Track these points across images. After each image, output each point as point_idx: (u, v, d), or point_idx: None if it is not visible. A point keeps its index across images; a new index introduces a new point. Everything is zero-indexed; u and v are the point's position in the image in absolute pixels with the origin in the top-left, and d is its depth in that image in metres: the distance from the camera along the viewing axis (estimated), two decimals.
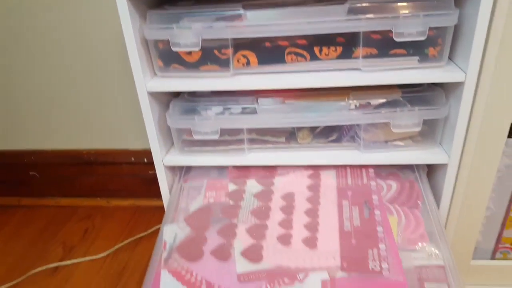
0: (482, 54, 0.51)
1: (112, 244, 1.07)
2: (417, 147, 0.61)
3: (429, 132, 0.61)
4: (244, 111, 0.60)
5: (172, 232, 0.57)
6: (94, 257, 1.03)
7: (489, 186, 0.68)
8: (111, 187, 1.21)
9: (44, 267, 1.01)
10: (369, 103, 0.59)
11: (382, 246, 0.52)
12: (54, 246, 1.09)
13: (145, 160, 1.15)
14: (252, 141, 0.63)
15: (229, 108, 0.61)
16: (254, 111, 0.60)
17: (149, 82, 0.58)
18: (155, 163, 0.64)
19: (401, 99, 0.59)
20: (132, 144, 1.15)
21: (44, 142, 1.19)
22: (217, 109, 0.61)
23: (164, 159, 0.63)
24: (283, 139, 0.63)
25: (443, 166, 0.60)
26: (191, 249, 0.54)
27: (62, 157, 1.19)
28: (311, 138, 0.63)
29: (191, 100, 0.62)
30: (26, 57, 1.07)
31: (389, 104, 0.59)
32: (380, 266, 0.49)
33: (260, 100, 0.60)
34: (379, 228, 0.53)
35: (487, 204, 0.72)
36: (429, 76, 0.53)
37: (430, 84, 0.60)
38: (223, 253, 0.53)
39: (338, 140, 0.62)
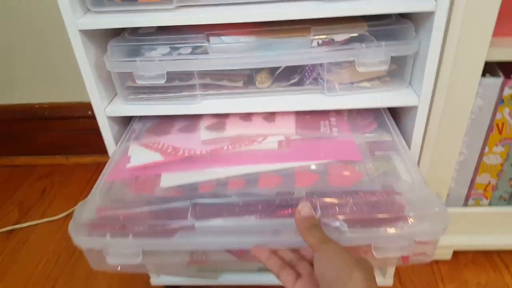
0: None
1: (71, 204, 1.01)
2: (385, 88, 0.56)
3: (397, 71, 0.56)
4: (194, 52, 0.53)
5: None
6: (52, 218, 0.98)
7: (462, 130, 0.65)
8: (69, 143, 1.14)
9: None
10: (333, 40, 0.53)
11: (333, 119, 0.59)
12: (9, 208, 1.03)
13: None
14: (205, 86, 0.56)
15: (177, 48, 0.53)
16: (205, 51, 0.52)
17: (80, 19, 0.50)
18: (95, 114, 0.57)
19: (367, 33, 0.53)
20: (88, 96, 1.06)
21: None
22: (163, 49, 0.53)
23: (106, 109, 0.56)
24: (240, 84, 0.57)
25: (413, 109, 0.56)
26: (159, 129, 0.60)
27: (14, 112, 1.09)
28: (271, 82, 0.56)
29: (132, 39, 0.54)
30: None
31: (354, 40, 0.52)
32: (331, 130, 0.56)
33: (212, 38, 0.53)
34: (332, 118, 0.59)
35: (460, 149, 0.69)
36: (397, 4, 0.47)
37: (397, 16, 0.54)
38: (189, 128, 0.59)
39: (300, 83, 0.56)
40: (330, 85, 0.55)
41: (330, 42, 0.52)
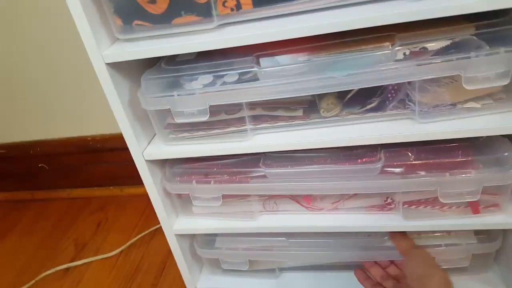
0: None
1: (126, 239, 0.96)
2: (500, 109, 0.41)
3: None
4: (241, 79, 0.42)
5: None
6: (106, 255, 0.93)
7: None
8: (123, 174, 1.10)
9: (54, 269, 0.92)
10: (425, 49, 0.39)
11: None
12: (66, 243, 1.00)
13: None
14: (256, 118, 0.45)
15: (221, 76, 0.43)
16: (255, 77, 0.42)
17: (106, 50, 0.42)
18: (133, 157, 0.48)
19: (475, 38, 0.38)
20: None
21: (47, 132, 1.09)
22: (205, 79, 0.43)
23: (144, 152, 0.48)
24: (300, 112, 0.45)
25: None
26: None
27: (67, 146, 1.08)
28: (340, 108, 0.44)
29: (169, 70, 0.45)
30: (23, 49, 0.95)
31: (456, 46, 0.38)
32: None
33: (262, 60, 0.42)
34: None
35: None
36: None
37: None
38: None
39: (380, 108, 0.43)
40: (423, 108, 0.41)
41: (421, 53, 0.39)
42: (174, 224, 0.55)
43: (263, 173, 0.48)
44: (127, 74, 0.46)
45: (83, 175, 1.12)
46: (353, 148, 0.47)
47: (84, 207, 1.11)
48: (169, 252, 0.91)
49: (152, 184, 0.50)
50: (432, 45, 0.39)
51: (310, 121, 0.44)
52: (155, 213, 1.01)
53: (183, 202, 0.55)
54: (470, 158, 0.43)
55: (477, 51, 0.36)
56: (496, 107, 0.41)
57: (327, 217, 0.51)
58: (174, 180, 0.51)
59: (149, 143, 0.49)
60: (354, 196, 0.50)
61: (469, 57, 0.37)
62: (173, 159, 0.52)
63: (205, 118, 0.43)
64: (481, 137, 0.43)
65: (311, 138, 0.44)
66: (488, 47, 0.37)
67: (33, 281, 0.90)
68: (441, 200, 0.43)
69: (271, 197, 0.52)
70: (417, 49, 0.39)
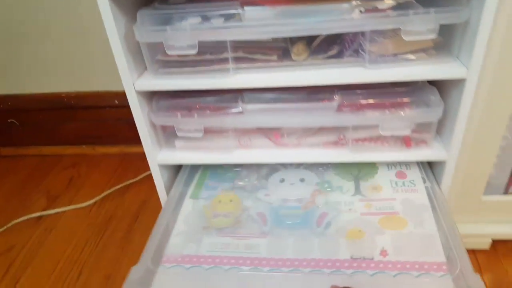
0: None
1: (98, 192, 1.01)
2: (431, 60, 0.52)
3: (444, 43, 0.52)
4: (226, 21, 0.51)
5: None
6: (79, 205, 0.98)
7: (508, 110, 0.60)
8: (96, 133, 1.14)
9: (26, 217, 0.95)
10: (376, 8, 0.49)
11: None
12: (37, 195, 1.03)
13: None
14: (238, 60, 0.54)
15: (209, 18, 0.51)
16: (238, 20, 0.50)
17: None
18: (125, 88, 0.55)
19: (413, 0, 0.49)
20: (116, 84, 1.05)
21: (19, 86, 1.09)
22: (194, 19, 0.51)
23: (135, 83, 0.55)
24: (274, 57, 0.54)
25: (459, 83, 0.51)
26: None
27: (41, 102, 1.10)
28: (308, 54, 0.53)
29: (162, 8, 0.52)
30: None
31: (399, 7, 0.49)
32: None
33: (246, 7, 0.50)
34: None
35: (504, 133, 0.64)
36: None
37: None
38: None
39: (339, 55, 0.53)
40: (372, 57, 0.51)
41: (373, 10, 0.49)
42: (158, 155, 0.62)
43: (240, 110, 0.57)
44: (124, 10, 0.52)
45: (55, 132, 1.14)
46: (316, 92, 0.56)
47: (56, 164, 1.14)
48: (143, 203, 0.99)
49: (140, 115, 0.57)
50: (382, 4, 0.49)
51: (283, 64, 0.54)
52: (129, 170, 1.07)
53: (167, 136, 0.62)
54: (405, 100, 0.54)
55: (414, 11, 0.47)
56: (427, 60, 0.52)
57: (292, 151, 0.60)
58: (160, 113, 0.58)
59: (139, 77, 0.56)
60: (314, 133, 0.60)
61: (408, 15, 0.47)
62: (160, 95, 0.59)
63: (194, 52, 0.51)
64: (415, 84, 0.55)
65: (283, 78, 0.53)
66: (422, 8, 0.48)
67: (4, 228, 0.93)
68: (381, 132, 0.54)
69: (245, 132, 0.61)
70: (370, 7, 0.49)
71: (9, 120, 1.14)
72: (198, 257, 0.52)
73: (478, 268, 0.74)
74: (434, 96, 0.54)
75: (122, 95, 1.05)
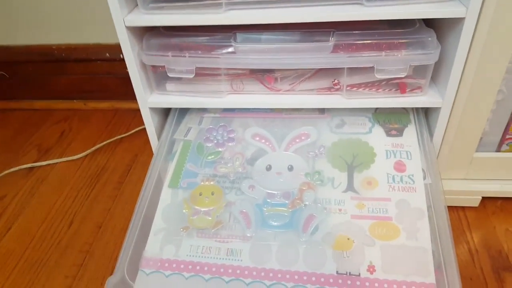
0: None
1: (90, 145, 1.00)
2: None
3: None
4: None
5: None
6: (71, 158, 0.97)
7: (505, 61, 0.59)
8: (88, 88, 1.12)
9: (17, 168, 0.95)
10: None
11: None
12: (28, 148, 1.02)
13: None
14: None
15: None
16: None
17: None
18: (115, 24, 0.53)
19: None
20: (107, 37, 1.03)
21: (9, 38, 1.06)
22: None
23: (125, 18, 0.53)
24: None
25: (457, 24, 0.50)
26: None
27: (30, 54, 1.07)
28: None
29: None
30: None
31: None
32: None
33: None
34: None
35: (499, 86, 0.63)
36: None
37: None
38: None
39: None
40: None
41: None
42: (149, 98, 0.61)
43: (232, 49, 0.55)
44: None
45: (46, 86, 1.12)
46: (311, 34, 0.55)
47: (47, 118, 1.12)
48: (134, 157, 0.98)
49: (130, 53, 0.56)
50: None
51: (276, 1, 0.52)
52: (120, 125, 1.06)
53: (158, 78, 0.61)
54: (402, 41, 0.53)
55: None
56: None
57: (285, 97, 0.60)
58: (151, 52, 0.56)
59: (130, 12, 0.54)
60: (308, 78, 0.59)
61: None
62: (150, 33, 0.57)
63: None
64: (413, 26, 0.54)
65: (277, 15, 0.51)
66: None
67: None
68: (376, 76, 0.53)
69: (238, 76, 0.60)
70: None
71: None
72: (178, 262, 0.48)
73: (467, 225, 0.75)
74: (431, 38, 0.53)
75: (113, 48, 1.03)
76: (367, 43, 0.53)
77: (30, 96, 1.15)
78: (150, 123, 0.62)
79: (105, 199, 0.86)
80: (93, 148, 0.99)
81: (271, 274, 0.46)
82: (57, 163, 0.97)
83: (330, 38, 0.54)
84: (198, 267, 0.47)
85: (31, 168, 0.95)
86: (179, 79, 0.59)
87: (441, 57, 0.53)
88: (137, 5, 0.55)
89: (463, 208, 0.78)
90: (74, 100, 1.14)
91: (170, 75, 0.57)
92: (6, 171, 0.94)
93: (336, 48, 0.54)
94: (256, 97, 0.60)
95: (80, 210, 0.84)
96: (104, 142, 1.01)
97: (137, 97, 0.60)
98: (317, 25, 0.52)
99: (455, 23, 0.51)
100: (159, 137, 0.64)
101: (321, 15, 0.50)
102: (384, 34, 0.53)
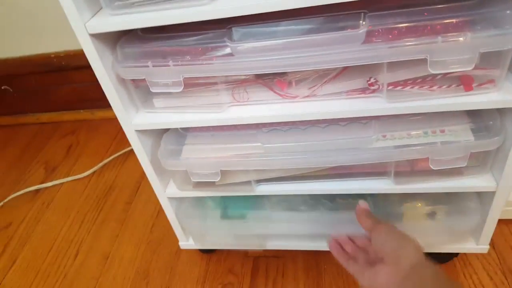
0: None
1: (98, 160, 0.91)
2: None
3: None
4: None
5: None
6: (78, 176, 0.89)
7: None
8: (93, 96, 1.02)
9: (24, 191, 0.88)
10: None
11: None
12: (35, 167, 0.95)
13: None
14: None
15: None
16: None
17: None
18: (75, 32, 0.41)
19: None
20: None
21: (5, 50, 0.98)
22: None
23: (87, 24, 0.40)
24: None
25: None
26: None
27: (30, 65, 0.99)
28: None
29: None
30: None
31: None
32: None
33: None
34: None
35: None
36: None
37: None
38: None
39: None
40: None
41: None
42: (134, 119, 0.49)
43: (229, 50, 0.41)
44: None
45: (51, 97, 1.05)
46: (334, 20, 0.40)
47: (54, 131, 1.05)
48: (144, 172, 0.88)
49: (101, 67, 0.44)
50: None
51: None
52: None
53: (142, 93, 0.49)
54: (464, 19, 0.36)
55: None
56: None
57: (304, 104, 0.45)
58: (127, 63, 0.44)
59: (93, 16, 0.42)
60: (333, 78, 0.44)
61: None
62: (125, 40, 0.45)
63: None
64: None
65: None
66: None
67: (1, 203, 0.86)
68: (430, 70, 0.38)
69: (240, 83, 0.46)
70: None
71: (2, 87, 1.04)
72: None
73: None
74: (509, 10, 0.36)
75: None
76: (414, 25, 0.37)
77: (36, 109, 1.08)
78: (140, 149, 0.51)
79: (112, 224, 0.77)
80: (101, 164, 0.90)
81: None
82: (63, 183, 0.89)
83: (361, 23, 0.39)
84: None
85: (38, 190, 0.88)
86: (168, 92, 0.47)
87: None
88: (102, 8, 0.42)
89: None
90: (81, 110, 1.06)
91: (153, 90, 0.45)
92: (13, 195, 0.87)
93: (370, 36, 0.39)
94: (265, 108, 0.46)
95: (86, 238, 0.76)
96: (112, 156, 0.92)
97: (119, 119, 0.48)
98: (340, 7, 0.37)
99: None
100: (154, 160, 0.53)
101: None
102: (437, 11, 0.37)
